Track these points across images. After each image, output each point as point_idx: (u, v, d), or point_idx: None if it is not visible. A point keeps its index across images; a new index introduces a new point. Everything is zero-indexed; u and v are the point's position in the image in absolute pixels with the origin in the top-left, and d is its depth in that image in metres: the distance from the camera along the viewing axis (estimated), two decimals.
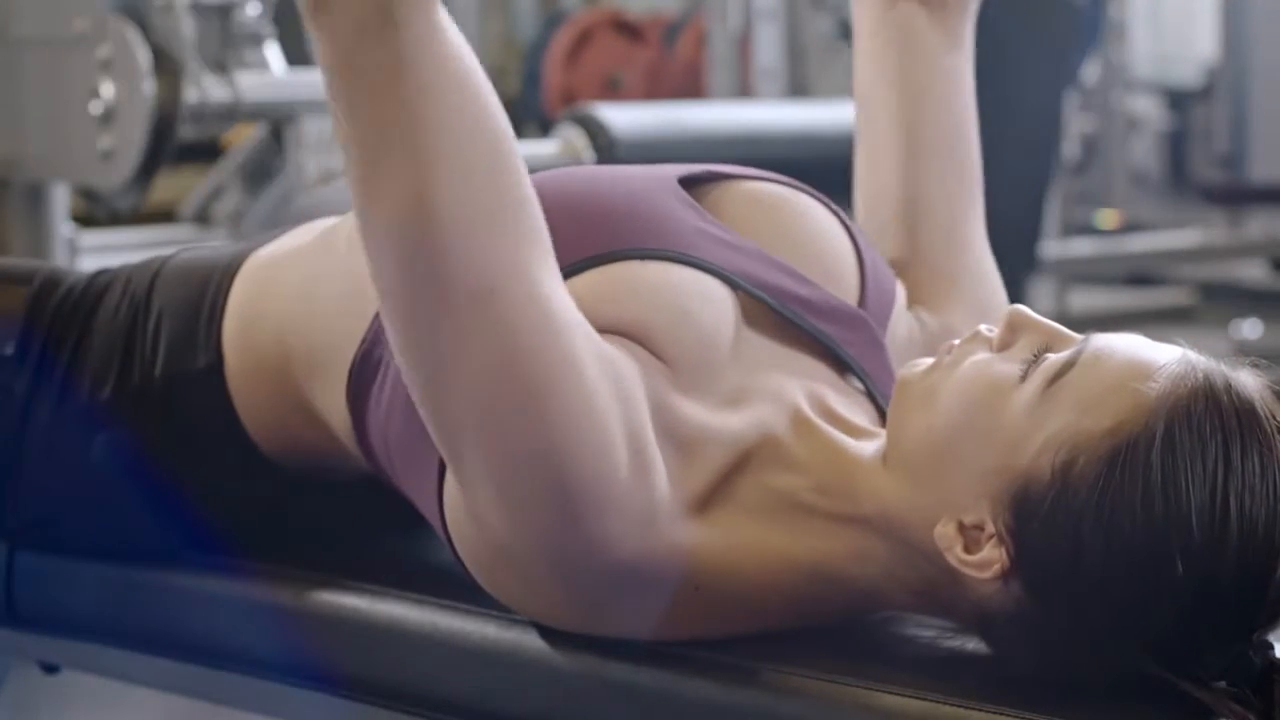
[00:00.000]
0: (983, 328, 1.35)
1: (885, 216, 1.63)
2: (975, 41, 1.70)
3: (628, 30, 6.77)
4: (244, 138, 3.60)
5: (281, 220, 1.69)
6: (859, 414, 1.44)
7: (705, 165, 1.54)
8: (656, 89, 6.37)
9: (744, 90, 5.18)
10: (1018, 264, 4.09)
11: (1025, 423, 1.28)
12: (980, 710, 1.27)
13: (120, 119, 2.93)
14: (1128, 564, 1.23)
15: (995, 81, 4.01)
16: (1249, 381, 1.27)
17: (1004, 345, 1.33)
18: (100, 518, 1.66)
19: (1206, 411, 1.25)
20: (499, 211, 1.28)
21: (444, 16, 1.27)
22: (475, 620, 1.46)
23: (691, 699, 1.36)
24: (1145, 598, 1.23)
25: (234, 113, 3.11)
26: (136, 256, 1.72)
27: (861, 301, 1.50)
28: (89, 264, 2.22)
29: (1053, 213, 5.50)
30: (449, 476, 1.37)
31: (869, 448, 1.37)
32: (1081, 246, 6.18)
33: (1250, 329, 5.61)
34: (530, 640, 1.42)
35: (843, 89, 5.28)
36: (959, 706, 1.27)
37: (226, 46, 3.11)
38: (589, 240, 1.40)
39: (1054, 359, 1.30)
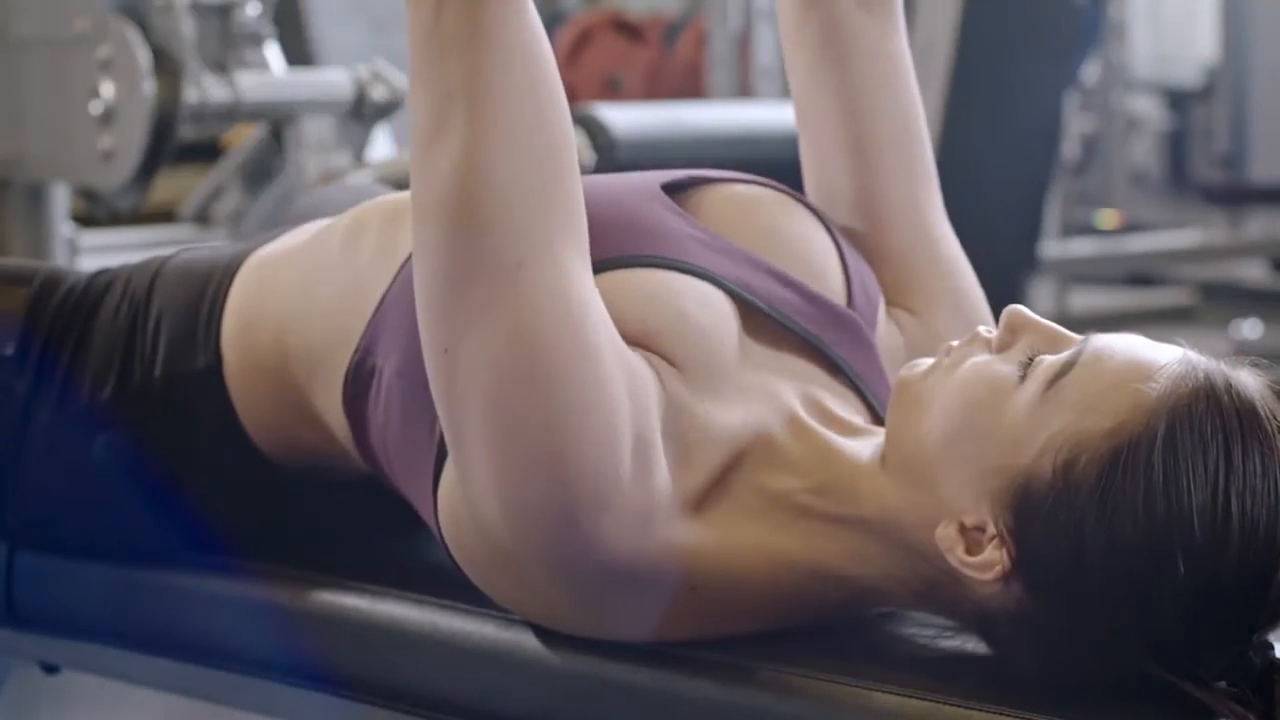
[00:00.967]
0: (982, 329, 1.35)
1: (842, 216, 1.59)
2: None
3: (628, 30, 6.78)
4: (244, 138, 3.60)
5: (282, 220, 1.69)
6: (853, 414, 1.44)
7: (686, 170, 1.54)
8: (656, 89, 6.37)
9: (744, 90, 5.19)
10: (1017, 264, 4.09)
11: (1026, 423, 1.28)
12: (980, 710, 1.27)
13: (120, 119, 2.93)
14: (1129, 564, 1.23)
15: (995, 82, 4.03)
16: (1249, 381, 1.27)
17: (1003, 346, 1.33)
18: (100, 518, 1.66)
19: (1208, 412, 1.25)
20: (543, 194, 1.31)
21: (529, 3, 1.33)
22: (475, 620, 1.46)
23: (691, 699, 1.36)
24: (1146, 598, 1.23)
25: (234, 113, 3.11)
26: (137, 256, 1.72)
27: (849, 301, 1.50)
28: (89, 264, 2.22)
29: (1053, 213, 5.50)
30: (446, 474, 1.37)
31: (866, 449, 1.37)
32: (1081, 246, 6.18)
33: (1250, 329, 5.61)
34: (529, 640, 1.42)
35: None
36: (959, 706, 1.27)
37: (226, 46, 3.11)
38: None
39: (1054, 359, 1.30)
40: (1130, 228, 6.77)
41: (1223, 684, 1.24)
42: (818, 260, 1.51)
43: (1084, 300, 6.20)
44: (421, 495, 1.42)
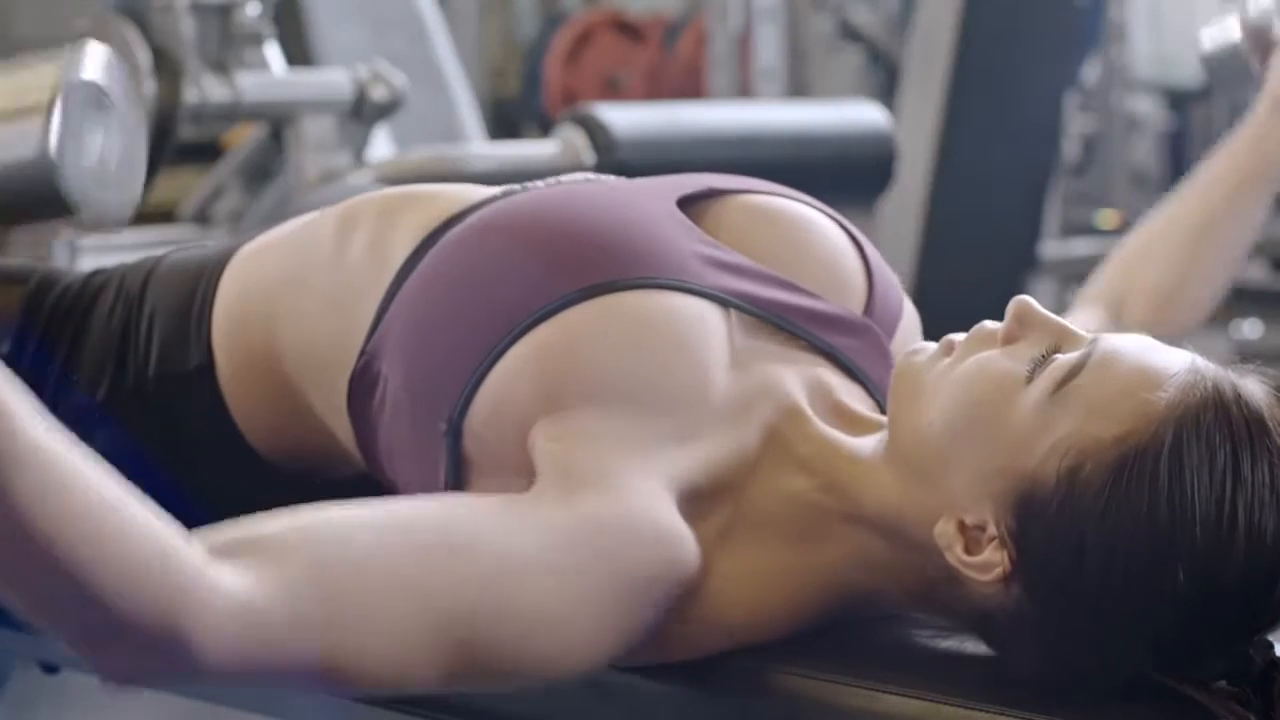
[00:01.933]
0: (987, 322, 1.34)
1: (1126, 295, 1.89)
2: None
3: (628, 30, 6.79)
4: (244, 138, 3.60)
5: (281, 220, 1.69)
6: (862, 406, 1.43)
7: (705, 181, 1.53)
8: (656, 89, 6.38)
9: (744, 90, 5.19)
10: (1017, 263, 4.10)
11: (1032, 425, 1.27)
12: (980, 710, 1.26)
13: None
14: (1131, 572, 1.23)
15: (995, 82, 4.02)
16: (1257, 391, 1.26)
17: (1010, 338, 1.32)
18: None
19: (1216, 422, 1.24)
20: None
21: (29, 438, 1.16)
22: None
23: (691, 700, 1.36)
24: (1147, 606, 1.23)
25: (234, 113, 3.11)
26: (136, 256, 1.72)
27: (868, 310, 1.49)
28: (89, 264, 2.21)
29: (1053, 213, 5.50)
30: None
31: (869, 443, 1.36)
32: (1081, 246, 6.17)
33: (1250, 329, 5.60)
34: None
35: (842, 89, 5.29)
36: (959, 706, 1.27)
37: (226, 46, 3.11)
38: (578, 272, 1.39)
39: (1063, 360, 1.28)
40: (1130, 228, 6.76)
41: (1222, 683, 1.24)
42: (836, 268, 1.49)
43: None
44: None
